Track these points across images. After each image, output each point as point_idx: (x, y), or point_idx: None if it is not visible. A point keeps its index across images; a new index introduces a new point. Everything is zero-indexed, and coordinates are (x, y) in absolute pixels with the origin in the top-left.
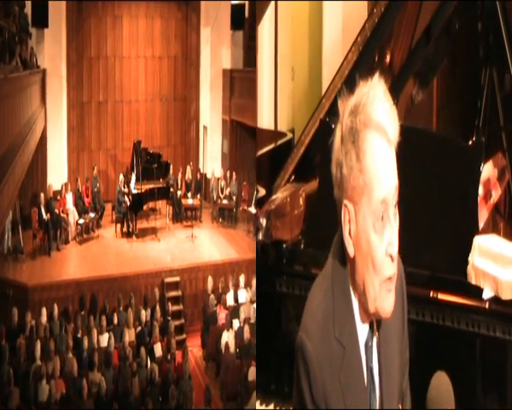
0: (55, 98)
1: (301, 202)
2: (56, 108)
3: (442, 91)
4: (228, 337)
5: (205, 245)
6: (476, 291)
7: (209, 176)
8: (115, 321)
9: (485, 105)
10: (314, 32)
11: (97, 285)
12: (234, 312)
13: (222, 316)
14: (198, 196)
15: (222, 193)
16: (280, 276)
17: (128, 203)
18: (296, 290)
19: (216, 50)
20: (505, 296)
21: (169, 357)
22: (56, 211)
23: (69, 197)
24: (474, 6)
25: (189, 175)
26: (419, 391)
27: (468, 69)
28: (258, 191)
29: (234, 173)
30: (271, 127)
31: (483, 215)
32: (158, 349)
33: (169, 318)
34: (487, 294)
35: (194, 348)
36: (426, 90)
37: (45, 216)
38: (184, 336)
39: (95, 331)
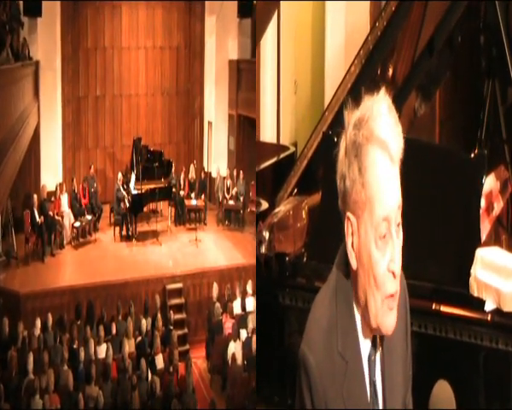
0: (48, 92)
1: (304, 215)
2: (50, 103)
3: (445, 104)
4: (235, 348)
5: (210, 249)
6: (478, 303)
7: (214, 175)
8: (114, 331)
9: (487, 118)
10: (316, 45)
11: (94, 293)
12: (241, 321)
13: (228, 325)
14: (202, 196)
15: (228, 193)
16: (283, 288)
17: (127, 205)
18: (299, 303)
19: (221, 40)
20: (507, 308)
21: (171, 369)
22: (50, 213)
23: (64, 198)
24: (476, 19)
25: (192, 174)
26: (421, 403)
27: (471, 82)
28: (260, 204)
29: (241, 172)
30: (274, 141)
31: (485, 227)
32: (159, 361)
33: (171, 327)
34: (489, 306)
35: (199, 359)
36: (429, 103)
37: (38, 219)
38: (188, 346)
39: (92, 342)
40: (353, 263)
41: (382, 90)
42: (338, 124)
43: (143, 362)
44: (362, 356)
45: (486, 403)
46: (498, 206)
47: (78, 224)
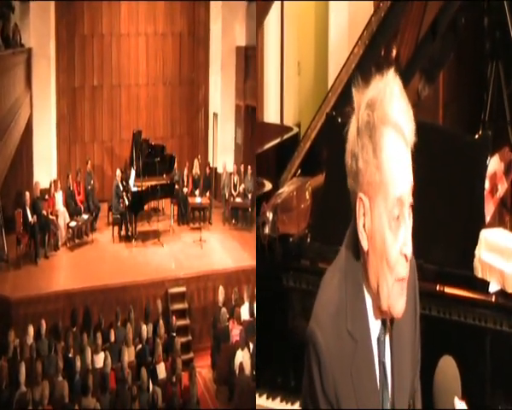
0: (42, 82)
1: (308, 196)
2: (44, 94)
3: (448, 86)
4: (242, 357)
5: (215, 250)
6: (483, 285)
7: (220, 170)
8: (112, 338)
9: (491, 99)
10: (320, 26)
11: (91, 297)
12: (249, 328)
13: (235, 332)
14: (207, 193)
15: (235, 190)
16: (286, 270)
17: (127, 203)
18: (303, 285)
19: (228, 25)
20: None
21: (174, 379)
22: (44, 212)
23: (59, 196)
24: (480, 1)
25: (196, 170)
26: (425, 385)
27: (475, 64)
28: (264, 185)
29: (249, 167)
30: (278, 122)
31: (489, 209)
32: (161, 370)
33: (174, 334)
34: (494, 287)
35: (203, 369)
36: (432, 85)
37: (31, 218)
38: (192, 355)
39: (88, 350)
40: (364, 244)
41: (392, 71)
42: (342, 105)
43: (144, 372)
44: (371, 337)
45: (491, 385)
46: (502, 187)
47: (73, 223)
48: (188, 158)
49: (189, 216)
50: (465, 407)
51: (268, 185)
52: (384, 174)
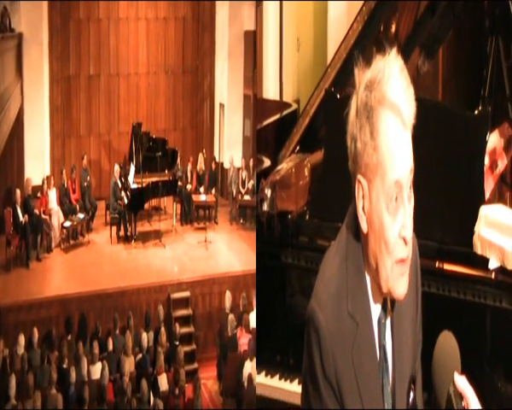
0: (34, 70)
1: (306, 173)
2: (36, 83)
3: (448, 62)
4: (251, 368)
5: (221, 252)
6: (482, 262)
7: (227, 166)
8: (110, 347)
9: (490, 75)
10: (319, 2)
11: (87, 303)
12: None
13: (243, 341)
14: (213, 190)
15: (243, 187)
16: (285, 247)
17: (126, 201)
18: (301, 262)
19: (235, 8)
20: (511, 267)
21: (177, 391)
22: (36, 211)
23: (52, 194)
24: None
25: (201, 165)
26: (425, 362)
27: (474, 39)
28: (262, 162)
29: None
30: (277, 98)
31: (489, 185)
32: (163, 382)
33: (177, 342)
34: (493, 264)
35: (209, 380)
36: (432, 61)
37: (22, 218)
38: (196, 365)
39: (85, 361)
40: (364, 227)
41: (394, 51)
42: (341, 81)
43: (144, 383)
44: (372, 319)
45: (490, 362)
46: (502, 163)
47: (68, 223)
48: (192, 152)
49: (193, 215)
50: (465, 382)
51: (267, 162)
52: (381, 156)
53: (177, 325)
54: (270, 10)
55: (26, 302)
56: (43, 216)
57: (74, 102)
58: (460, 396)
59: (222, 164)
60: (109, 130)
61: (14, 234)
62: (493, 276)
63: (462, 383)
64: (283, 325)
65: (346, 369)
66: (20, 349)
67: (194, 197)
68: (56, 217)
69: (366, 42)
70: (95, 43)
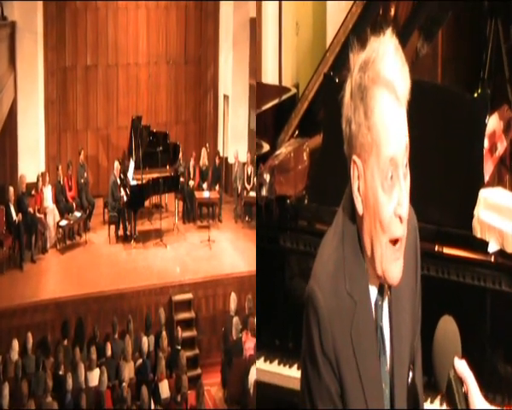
0: (28, 61)
1: (305, 157)
2: (30, 75)
3: (447, 44)
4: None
5: (226, 252)
6: (482, 245)
7: (231, 160)
8: (108, 353)
9: (490, 57)
10: None
11: (85, 306)
12: None
13: (249, 345)
14: (217, 187)
15: (249, 183)
16: (284, 231)
17: (125, 198)
18: (300, 246)
19: None
20: (511, 250)
21: (179, 398)
22: (30, 210)
23: (47, 192)
24: None
25: (204, 160)
26: (425, 346)
27: (473, 22)
28: (261, 147)
29: None
30: (276, 82)
31: (488, 168)
32: (164, 389)
33: (179, 347)
34: (493, 247)
35: (213, 387)
36: (431, 43)
37: (16, 217)
38: (199, 371)
39: (82, 367)
40: (359, 208)
41: (389, 31)
42: (339, 65)
43: (145, 390)
44: (370, 299)
45: (490, 345)
46: (502, 146)
47: (64, 222)
48: (194, 147)
49: (195, 213)
50: (465, 367)
51: (266, 146)
52: (376, 134)
53: (179, 328)
54: None
55: (20, 306)
56: (38, 215)
57: (70, 95)
58: (460, 381)
59: (226, 159)
60: (107, 124)
61: (7, 234)
62: (493, 259)
63: (462, 367)
64: (282, 308)
65: (344, 346)
66: (14, 356)
67: (197, 194)
68: (52, 216)
69: (365, 25)
70: (92, 33)
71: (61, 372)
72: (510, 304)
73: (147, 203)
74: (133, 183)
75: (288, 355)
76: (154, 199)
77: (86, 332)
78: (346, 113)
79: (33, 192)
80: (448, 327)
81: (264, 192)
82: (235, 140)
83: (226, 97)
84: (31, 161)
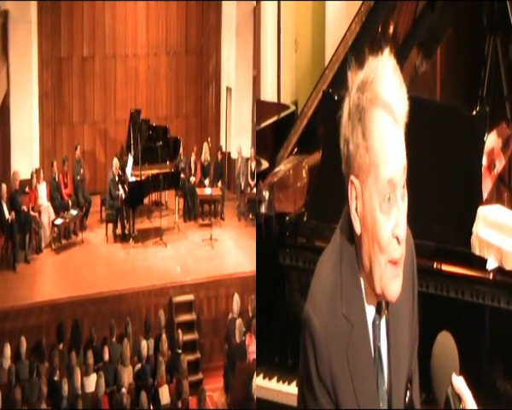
0: (21, 52)
1: (304, 174)
2: (24, 66)
3: (446, 61)
4: None
5: (229, 251)
6: (480, 262)
7: (234, 156)
8: (106, 357)
9: (488, 75)
10: (317, 3)
11: (81, 309)
12: None
13: (253, 349)
14: (219, 183)
15: (252, 179)
16: (283, 248)
17: (123, 196)
18: (299, 263)
19: None
20: (509, 267)
21: (180, 404)
22: (24, 208)
23: (42, 189)
24: None
25: (206, 155)
26: (423, 363)
27: (472, 39)
28: (261, 164)
29: None
30: (275, 100)
31: (487, 186)
32: (165, 394)
33: (179, 351)
34: (491, 264)
35: (215, 392)
36: (430, 60)
37: (9, 215)
38: (201, 375)
39: (78, 372)
40: (357, 228)
41: (387, 51)
42: (338, 82)
43: (144, 396)
44: (367, 320)
45: (489, 362)
46: (500, 164)
47: (59, 221)
48: (196, 141)
49: (197, 211)
50: (463, 383)
51: (265, 163)
52: (374, 155)
53: (179, 331)
54: (268, 12)
55: (13, 309)
56: (32, 213)
57: (66, 87)
58: (458, 397)
59: (229, 154)
60: (105, 117)
61: (0, 233)
62: (491, 276)
63: (460, 383)
64: (282, 325)
65: (341, 370)
66: (7, 361)
67: (199, 191)
68: (46, 214)
69: (364, 43)
70: (89, 21)
71: (56, 378)
72: (509, 321)
73: (146, 201)
74: (132, 179)
75: (288, 372)
76: (154, 196)
77: (83, 336)
78: (343, 132)
79: (27, 189)
80: (446, 343)
81: (263, 209)
82: (238, 134)
83: (229, 90)
84: (24, 157)
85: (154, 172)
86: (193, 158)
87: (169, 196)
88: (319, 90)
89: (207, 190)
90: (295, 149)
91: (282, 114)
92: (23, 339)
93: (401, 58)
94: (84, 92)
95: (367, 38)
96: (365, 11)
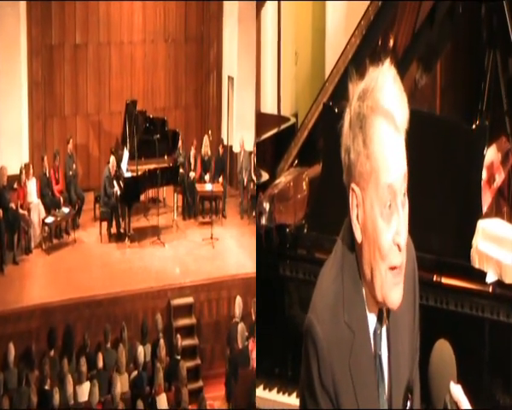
0: (9, 39)
1: (305, 186)
2: (12, 54)
3: (446, 75)
4: None
5: (230, 251)
6: (480, 275)
7: (236, 149)
8: (100, 364)
9: (488, 89)
10: (317, 16)
11: (74, 313)
12: None
13: None
14: (220, 179)
15: (255, 174)
16: (283, 260)
17: (118, 192)
18: (300, 274)
19: None
20: (509, 280)
21: None
22: (13, 205)
23: (32, 185)
24: None
25: (206, 149)
26: (422, 375)
27: (472, 53)
28: (261, 175)
29: None
30: (275, 112)
31: (486, 199)
32: (162, 403)
33: (178, 357)
34: (491, 278)
35: (216, 400)
36: (429, 74)
37: None
38: (201, 383)
39: (70, 380)
40: (358, 236)
41: (387, 62)
42: (339, 95)
43: (141, 405)
44: (369, 328)
45: (488, 375)
46: (500, 177)
47: (50, 219)
48: (195, 134)
49: (197, 208)
50: (461, 391)
51: (265, 175)
52: (374, 162)
53: (178, 336)
54: (268, 24)
55: (1, 314)
56: (21, 211)
57: (57, 77)
58: (456, 405)
59: (231, 147)
60: (99, 109)
61: None
62: (491, 289)
63: (457, 391)
64: (282, 337)
65: (343, 378)
66: None
67: (199, 187)
68: (36, 212)
69: (364, 56)
70: (82, 6)
71: (46, 387)
72: (508, 334)
73: (143, 197)
74: (127, 175)
75: (288, 383)
76: (151, 193)
77: (75, 341)
78: (345, 141)
79: (15, 186)
80: (444, 351)
81: (263, 221)
82: (240, 126)
83: (231, 79)
84: (13, 151)
85: (152, 167)
86: (192, 152)
87: (167, 193)
88: (319, 102)
89: (208, 186)
90: (296, 162)
91: (283, 127)
92: (11, 346)
93: (401, 72)
94: (77, 82)
95: (367, 51)
96: (365, 25)
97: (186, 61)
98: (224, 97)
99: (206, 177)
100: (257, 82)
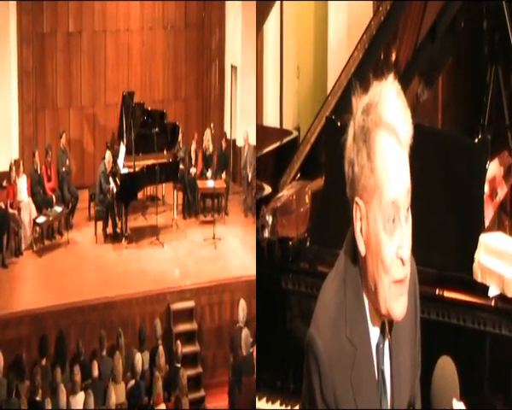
0: None
1: (307, 200)
2: (1, 42)
3: (447, 90)
4: None
5: (234, 251)
6: (482, 289)
7: (240, 144)
8: (95, 373)
9: (490, 103)
10: (319, 30)
11: (67, 318)
12: None
13: None
14: (223, 175)
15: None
16: (285, 273)
17: (114, 190)
18: (302, 288)
19: None
20: (511, 294)
21: None
22: (1, 205)
23: (22, 183)
24: (479, 4)
25: (208, 143)
26: (424, 389)
27: (474, 67)
28: (263, 189)
29: None
30: (277, 125)
31: (489, 213)
32: None
33: (178, 365)
34: (493, 292)
35: None
36: (431, 89)
37: None
38: (202, 392)
39: (63, 390)
40: (362, 249)
41: (391, 76)
42: (341, 109)
43: None
44: (371, 342)
45: (490, 389)
46: (502, 192)
47: (42, 219)
48: (197, 127)
49: (198, 206)
50: (463, 408)
51: (267, 189)
52: (378, 177)
53: (178, 342)
54: (270, 38)
55: None
56: (11, 210)
57: (49, 66)
58: None
59: (234, 141)
60: (93, 101)
61: None
62: (493, 303)
63: (460, 408)
64: (284, 350)
65: (344, 393)
66: None
67: (200, 184)
68: (27, 211)
69: (367, 70)
70: None
71: (38, 398)
72: (510, 348)
73: (140, 195)
74: (124, 171)
75: (290, 396)
76: (149, 190)
77: (68, 349)
78: (348, 155)
79: (5, 183)
80: (446, 368)
81: (266, 234)
82: (244, 119)
83: (234, 68)
84: (1, 146)
85: (150, 162)
86: (193, 146)
87: (166, 190)
88: (322, 116)
89: (210, 183)
90: (298, 175)
91: (285, 140)
92: (0, 354)
93: (403, 86)
94: (70, 72)
95: (369, 65)
96: (367, 39)
97: (186, 50)
98: (227, 88)
99: (208, 173)
100: (259, 95)
